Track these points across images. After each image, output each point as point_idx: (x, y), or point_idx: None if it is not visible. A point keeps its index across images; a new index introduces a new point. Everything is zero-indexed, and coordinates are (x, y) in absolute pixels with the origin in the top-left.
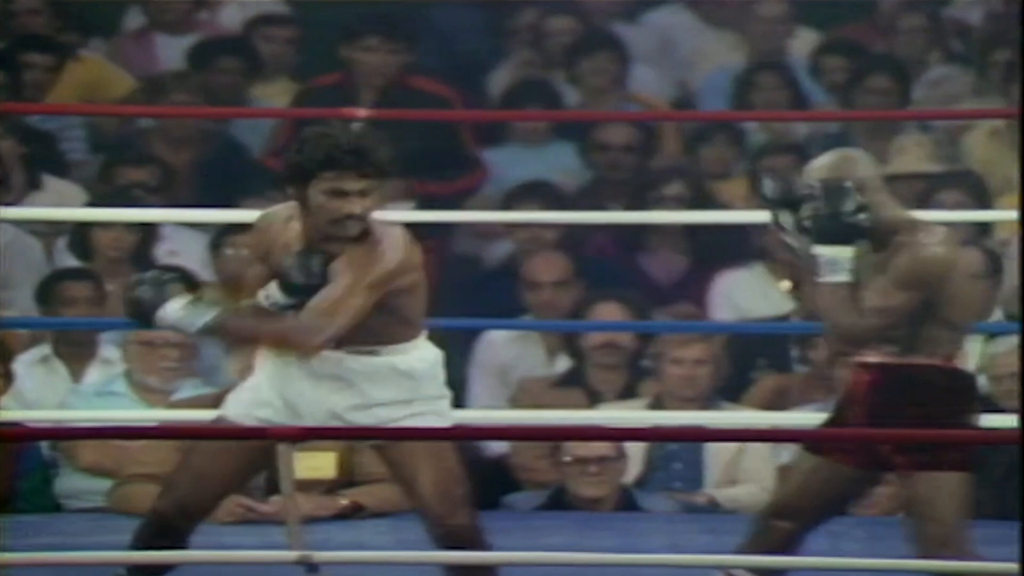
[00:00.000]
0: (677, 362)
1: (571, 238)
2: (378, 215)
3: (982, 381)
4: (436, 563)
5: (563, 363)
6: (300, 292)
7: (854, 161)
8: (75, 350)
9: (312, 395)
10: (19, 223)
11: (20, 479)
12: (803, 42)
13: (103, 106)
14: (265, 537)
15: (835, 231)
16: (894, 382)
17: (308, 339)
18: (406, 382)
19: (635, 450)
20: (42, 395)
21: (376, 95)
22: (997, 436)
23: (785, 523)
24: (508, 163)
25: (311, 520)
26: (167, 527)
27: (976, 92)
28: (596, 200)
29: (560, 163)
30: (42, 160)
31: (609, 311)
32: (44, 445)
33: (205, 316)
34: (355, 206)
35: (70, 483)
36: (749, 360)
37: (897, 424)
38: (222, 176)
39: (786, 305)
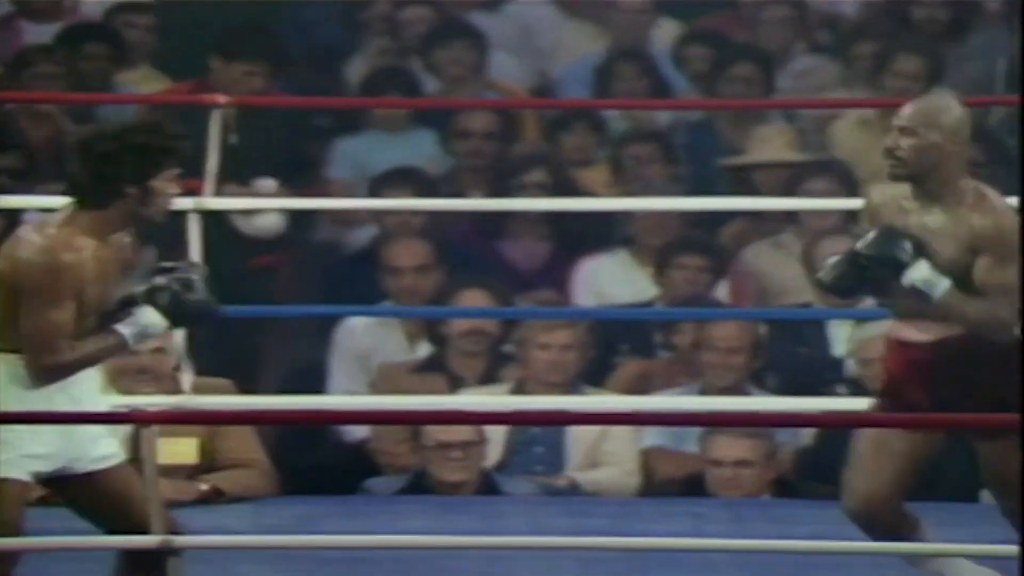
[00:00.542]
0: (544, 347)
1: (433, 225)
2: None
3: (851, 364)
4: (295, 547)
5: (424, 349)
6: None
7: (950, 108)
8: None
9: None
10: None
11: None
12: (666, 32)
13: None
14: None
15: (898, 263)
16: (956, 354)
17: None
18: None
19: (496, 434)
20: None
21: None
22: (997, 421)
23: (887, 511)
24: (368, 150)
25: (173, 505)
26: None
27: (843, 82)
28: (457, 187)
29: (421, 150)
30: None
31: (473, 297)
32: None
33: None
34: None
35: None
36: (612, 345)
37: (962, 397)
38: None
39: (649, 291)
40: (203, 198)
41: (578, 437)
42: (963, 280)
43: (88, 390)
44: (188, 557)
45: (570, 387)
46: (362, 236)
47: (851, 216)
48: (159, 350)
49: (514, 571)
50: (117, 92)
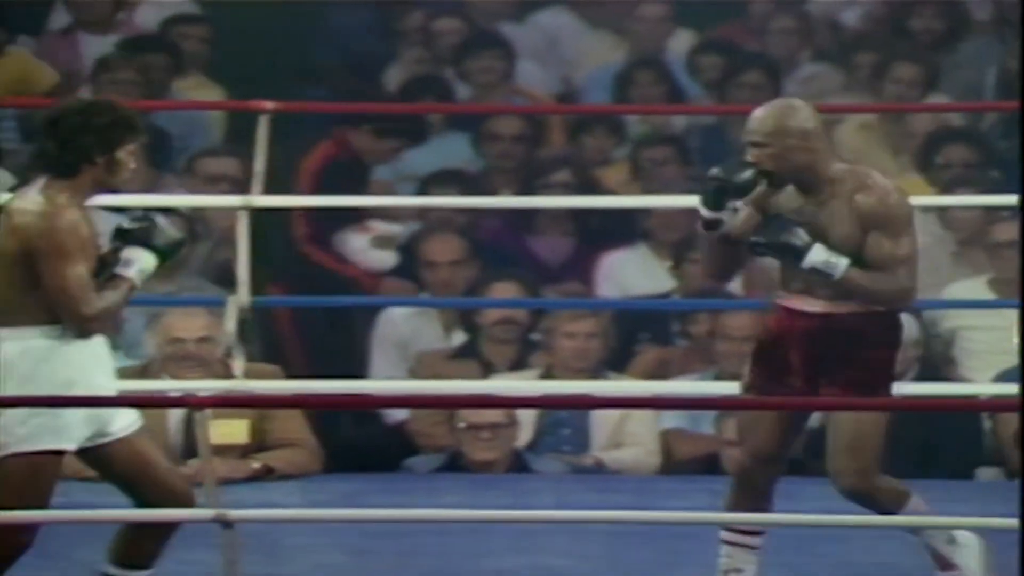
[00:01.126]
0: (570, 335)
1: (466, 221)
2: None
3: None
4: (340, 521)
5: (459, 337)
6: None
7: (794, 109)
8: None
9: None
10: None
11: None
12: (681, 41)
13: (36, 98)
14: None
15: (795, 250)
16: (841, 329)
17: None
18: None
19: (527, 417)
20: None
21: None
22: (998, 404)
23: (769, 469)
24: (407, 153)
25: (225, 482)
26: None
27: (845, 88)
28: (488, 186)
29: (455, 153)
30: None
31: (504, 289)
32: None
33: None
34: None
35: None
36: (633, 334)
37: (839, 367)
38: (147, 162)
39: (667, 283)
40: (251, 196)
41: (602, 419)
42: (858, 259)
43: (94, 364)
44: (241, 530)
45: (594, 373)
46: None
47: None
48: (206, 339)
49: (544, 544)
50: (174, 99)
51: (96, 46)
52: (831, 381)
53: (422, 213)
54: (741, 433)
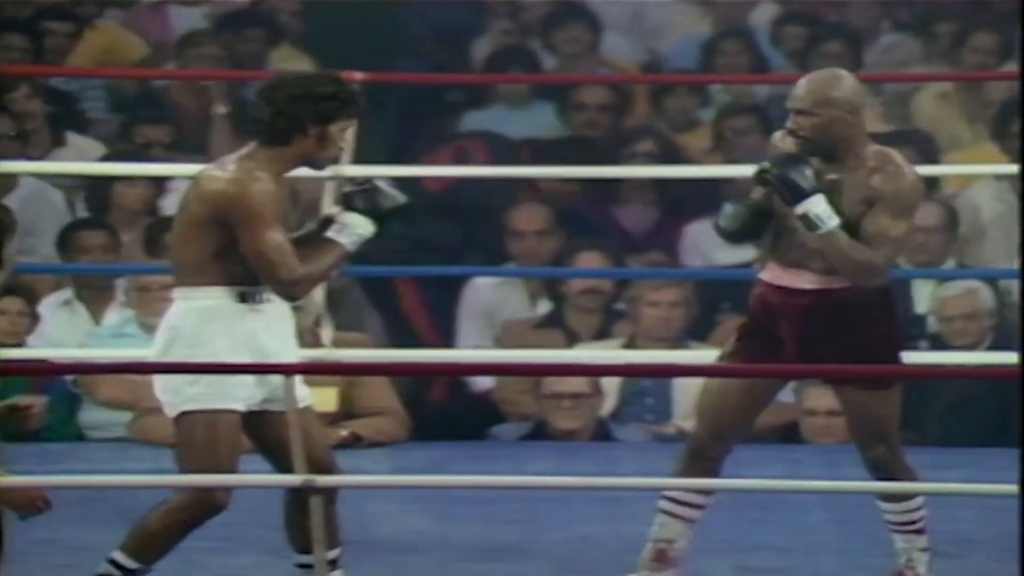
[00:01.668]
0: (654, 304)
1: (553, 190)
2: None
3: (932, 321)
4: (427, 487)
5: (544, 307)
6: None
7: (840, 79)
8: (95, 294)
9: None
10: (44, 176)
11: (47, 412)
12: (764, 12)
13: (125, 69)
14: None
15: (799, 190)
16: (835, 305)
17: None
18: None
19: (610, 386)
20: (65, 335)
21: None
22: (997, 372)
23: (722, 445)
24: (494, 122)
25: None
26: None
27: (924, 58)
28: (574, 156)
29: (541, 122)
30: (65, 118)
31: (589, 259)
32: (68, 380)
33: None
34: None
35: (92, 415)
36: (715, 304)
37: (831, 344)
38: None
39: (748, 253)
40: (340, 166)
41: (685, 388)
42: (855, 234)
43: (286, 329)
44: None
45: (677, 342)
46: None
47: (931, 183)
48: (297, 308)
49: (627, 511)
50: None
51: (186, 19)
52: (830, 360)
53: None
54: (701, 406)
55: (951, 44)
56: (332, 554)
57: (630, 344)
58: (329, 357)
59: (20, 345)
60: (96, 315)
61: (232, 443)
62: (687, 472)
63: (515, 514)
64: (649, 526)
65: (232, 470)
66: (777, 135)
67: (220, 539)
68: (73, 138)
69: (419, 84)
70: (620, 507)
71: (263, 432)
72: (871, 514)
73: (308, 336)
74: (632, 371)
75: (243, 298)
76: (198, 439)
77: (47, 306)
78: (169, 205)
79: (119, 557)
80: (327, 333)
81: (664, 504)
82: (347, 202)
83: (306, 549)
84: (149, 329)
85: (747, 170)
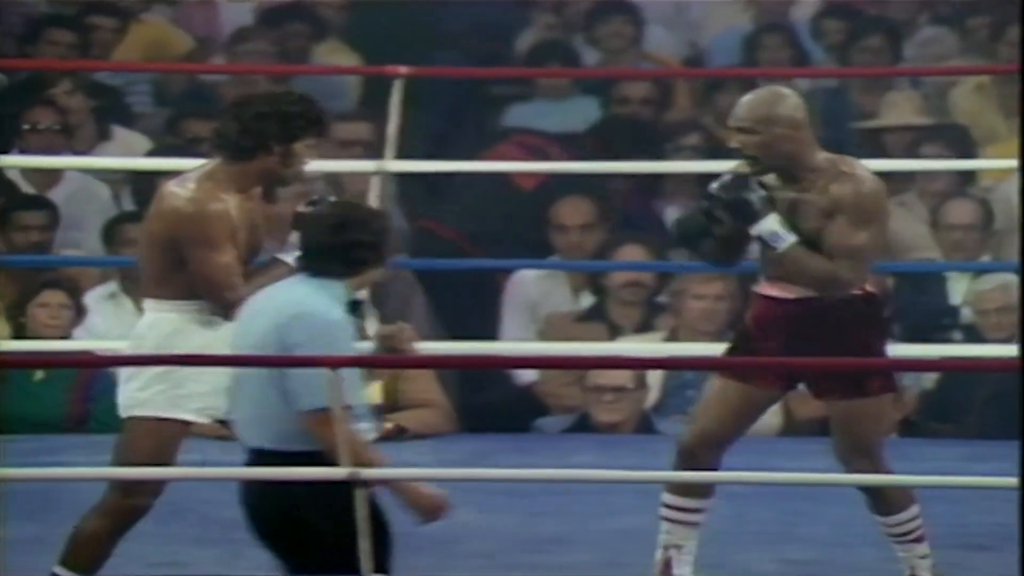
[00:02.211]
0: (699, 298)
1: (594, 184)
2: None
3: (967, 314)
4: (472, 480)
5: (587, 300)
6: None
7: (782, 97)
8: (140, 287)
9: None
10: (89, 170)
11: (92, 402)
12: (805, 6)
13: (171, 63)
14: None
15: (749, 211)
16: (814, 314)
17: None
18: None
19: (653, 378)
20: (110, 327)
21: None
22: (998, 364)
23: (712, 452)
24: (537, 116)
25: None
26: None
27: (961, 51)
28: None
29: (584, 116)
30: (111, 113)
31: (632, 252)
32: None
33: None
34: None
35: None
36: None
37: (813, 351)
38: None
39: None
40: (385, 161)
41: None
42: (819, 247)
43: (226, 343)
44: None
45: (719, 335)
46: None
47: (968, 177)
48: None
49: None
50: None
51: (233, 13)
52: (820, 372)
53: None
54: (697, 413)
55: (987, 37)
56: None
57: (672, 337)
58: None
59: (64, 337)
60: (141, 307)
61: (171, 450)
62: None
63: (558, 506)
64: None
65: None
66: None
67: None
68: (119, 132)
69: (462, 78)
70: (655, 499)
71: None
72: None
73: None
74: (675, 364)
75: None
76: (139, 444)
77: (92, 299)
78: None
79: (59, 571)
80: (371, 326)
81: (667, 512)
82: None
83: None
84: None
85: None
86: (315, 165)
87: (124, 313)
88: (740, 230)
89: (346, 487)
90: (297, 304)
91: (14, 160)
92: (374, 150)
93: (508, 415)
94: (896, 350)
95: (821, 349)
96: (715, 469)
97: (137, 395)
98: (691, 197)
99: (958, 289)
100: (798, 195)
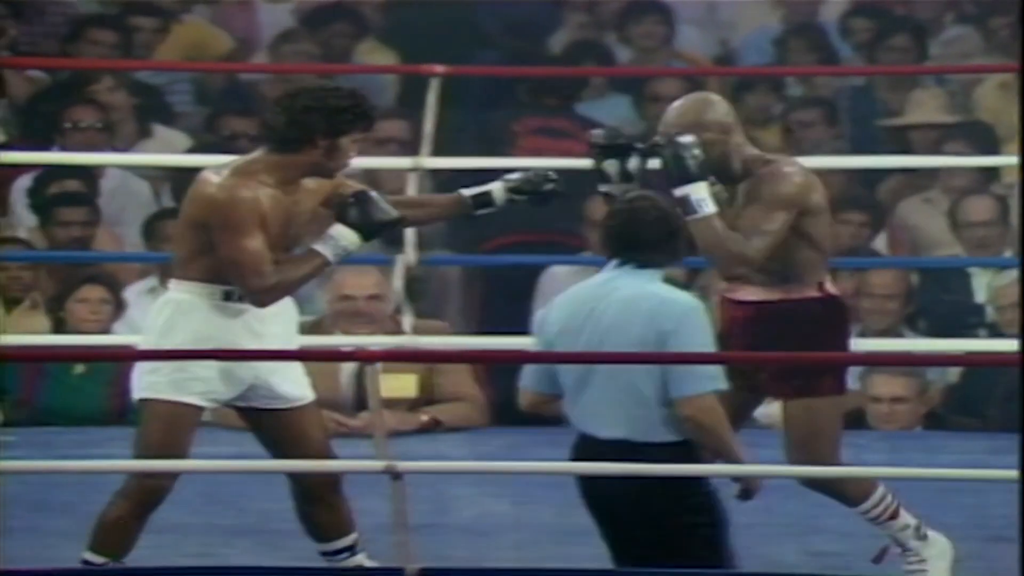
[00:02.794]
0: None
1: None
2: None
3: (990, 310)
4: (506, 472)
5: None
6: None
7: (711, 103)
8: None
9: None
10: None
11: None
12: (833, 6)
13: (212, 63)
14: (354, 449)
15: (686, 172)
16: (773, 317)
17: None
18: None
19: None
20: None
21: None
22: (998, 359)
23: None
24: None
25: (395, 434)
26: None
27: (985, 50)
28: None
29: (617, 114)
30: (152, 111)
31: None
32: None
33: None
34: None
35: None
36: None
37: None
38: None
39: None
40: (421, 157)
41: None
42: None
43: (277, 330)
44: (410, 480)
45: None
46: None
47: (992, 173)
48: (376, 296)
49: None
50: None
51: (273, 14)
52: (773, 372)
53: None
54: None
55: (1010, 36)
56: (349, 540)
57: None
58: (409, 344)
59: (104, 332)
60: None
61: (182, 434)
62: None
63: None
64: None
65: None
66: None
67: (297, 522)
68: (160, 130)
69: (497, 77)
70: None
71: (259, 430)
72: (932, 498)
73: (388, 323)
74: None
75: (227, 296)
76: (150, 426)
77: (133, 294)
78: None
79: (88, 556)
80: (407, 320)
81: None
82: (340, 213)
83: (324, 538)
84: None
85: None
86: (355, 161)
87: None
88: (651, 172)
89: (701, 481)
90: (654, 294)
91: (56, 157)
92: (409, 147)
93: None
94: (919, 345)
95: (782, 350)
96: None
97: (147, 378)
98: None
99: (980, 284)
100: (732, 197)
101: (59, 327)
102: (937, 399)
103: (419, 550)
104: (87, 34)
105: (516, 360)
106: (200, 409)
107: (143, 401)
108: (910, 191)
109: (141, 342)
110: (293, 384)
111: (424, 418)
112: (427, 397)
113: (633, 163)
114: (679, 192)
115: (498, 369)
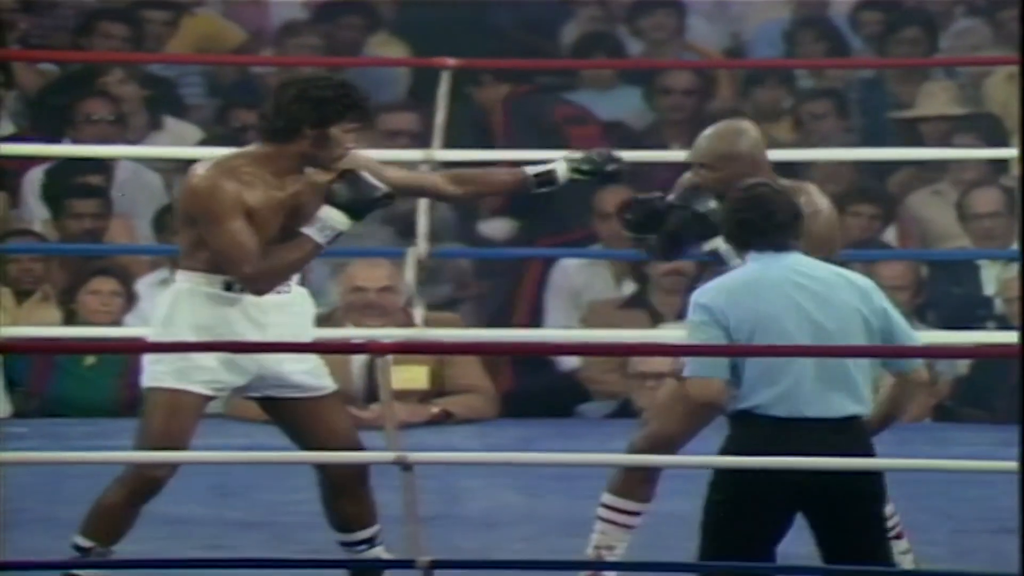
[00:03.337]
0: None
1: (637, 174)
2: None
3: (999, 302)
4: (516, 464)
5: (629, 287)
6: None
7: (743, 133)
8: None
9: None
10: (141, 160)
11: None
12: None
13: (223, 56)
14: (366, 441)
15: (712, 229)
16: None
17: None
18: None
19: None
20: None
21: None
22: (999, 351)
23: (663, 453)
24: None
25: (406, 426)
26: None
27: (995, 42)
28: (660, 139)
29: (627, 106)
30: (163, 103)
31: None
32: None
33: None
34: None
35: None
36: None
37: None
38: None
39: None
40: (432, 150)
41: None
42: None
43: (282, 319)
44: (420, 472)
45: None
46: None
47: (1001, 165)
48: (387, 288)
49: None
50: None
51: (284, 7)
52: None
53: None
54: (649, 413)
55: (1020, 29)
56: (370, 531)
57: None
58: (421, 336)
59: (116, 324)
60: None
61: (184, 422)
62: (626, 478)
63: (600, 490)
64: None
65: (182, 448)
66: (686, 176)
67: (307, 514)
68: (171, 122)
69: (509, 69)
70: (703, 484)
71: (280, 419)
72: (941, 490)
73: (400, 315)
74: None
75: (228, 286)
76: (153, 415)
77: (144, 286)
78: None
79: (79, 540)
80: (419, 313)
81: (603, 512)
82: (329, 195)
83: (345, 528)
84: None
85: (823, 154)
86: (363, 152)
87: None
88: (685, 236)
89: None
90: (839, 272)
91: (68, 149)
92: (419, 140)
93: (551, 401)
94: (928, 337)
95: None
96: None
97: (152, 367)
98: None
99: (989, 277)
100: None
101: (70, 319)
102: (946, 391)
103: (430, 542)
104: (98, 27)
105: (526, 352)
106: (204, 398)
107: (147, 390)
108: (920, 183)
109: (149, 334)
110: (309, 374)
111: (435, 410)
112: (438, 389)
113: (672, 222)
114: (708, 246)
115: (509, 361)
